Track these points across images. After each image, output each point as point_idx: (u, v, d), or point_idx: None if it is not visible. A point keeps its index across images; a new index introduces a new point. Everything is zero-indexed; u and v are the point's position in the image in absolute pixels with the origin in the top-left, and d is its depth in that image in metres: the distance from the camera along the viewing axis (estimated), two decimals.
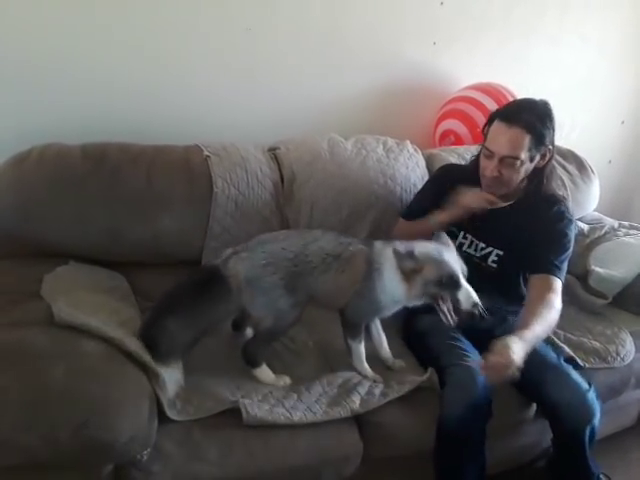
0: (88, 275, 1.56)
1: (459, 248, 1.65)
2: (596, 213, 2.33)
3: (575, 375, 1.51)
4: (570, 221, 1.62)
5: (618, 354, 1.72)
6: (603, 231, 2.14)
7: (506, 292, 1.67)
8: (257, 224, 1.74)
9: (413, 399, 1.46)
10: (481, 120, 1.80)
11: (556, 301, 1.50)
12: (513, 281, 1.68)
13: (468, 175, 1.67)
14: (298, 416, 1.35)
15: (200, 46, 1.89)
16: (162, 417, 1.26)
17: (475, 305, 1.35)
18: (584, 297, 1.92)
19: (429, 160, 2.01)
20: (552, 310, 1.48)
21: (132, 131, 1.77)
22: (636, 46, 2.68)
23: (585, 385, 1.49)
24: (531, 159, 1.53)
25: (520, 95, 1.95)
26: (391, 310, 1.50)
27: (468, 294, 1.36)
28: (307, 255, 1.41)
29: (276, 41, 1.99)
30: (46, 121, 1.74)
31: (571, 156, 2.22)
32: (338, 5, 2.05)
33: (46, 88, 1.74)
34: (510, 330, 1.64)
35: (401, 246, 1.38)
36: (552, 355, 1.59)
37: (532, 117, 1.49)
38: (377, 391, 1.45)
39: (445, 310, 1.39)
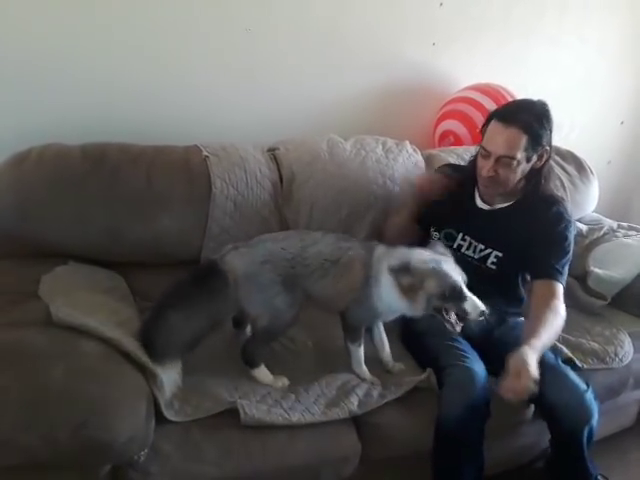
0: (87, 275, 1.56)
1: (458, 250, 1.65)
2: (595, 214, 2.33)
3: (573, 376, 1.51)
4: (570, 223, 1.62)
5: (617, 355, 1.72)
6: (602, 232, 2.14)
7: (505, 293, 1.68)
8: (256, 224, 1.74)
9: (411, 400, 1.46)
10: (480, 121, 1.80)
11: (561, 307, 1.51)
12: (512, 282, 1.68)
13: (466, 175, 1.67)
14: (296, 417, 1.35)
15: (200, 46, 1.89)
16: (160, 418, 1.27)
17: (482, 313, 1.35)
18: (583, 298, 1.92)
19: (428, 160, 2.01)
20: (558, 317, 1.49)
21: (132, 131, 1.77)
22: (635, 47, 2.68)
23: (583, 386, 1.49)
24: (528, 159, 1.53)
25: (519, 96, 1.96)
26: (390, 317, 1.50)
27: (474, 304, 1.36)
28: (305, 258, 1.42)
29: (275, 41, 1.99)
30: (46, 121, 1.74)
31: (570, 157, 2.22)
32: (337, 6, 2.05)
33: (46, 88, 1.74)
34: (508, 331, 1.65)
35: (395, 260, 1.36)
36: (550, 356, 1.59)
37: (529, 117, 1.49)
38: (375, 392, 1.45)
39: (451, 320, 1.39)
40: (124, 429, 1.14)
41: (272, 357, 1.54)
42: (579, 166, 2.21)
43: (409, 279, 1.34)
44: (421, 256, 1.38)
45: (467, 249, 1.65)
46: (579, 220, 2.17)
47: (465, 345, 1.56)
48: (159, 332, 1.34)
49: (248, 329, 1.56)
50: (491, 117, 1.55)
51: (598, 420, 1.48)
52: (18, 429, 1.08)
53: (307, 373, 1.50)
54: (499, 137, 1.50)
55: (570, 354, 1.65)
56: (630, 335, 1.80)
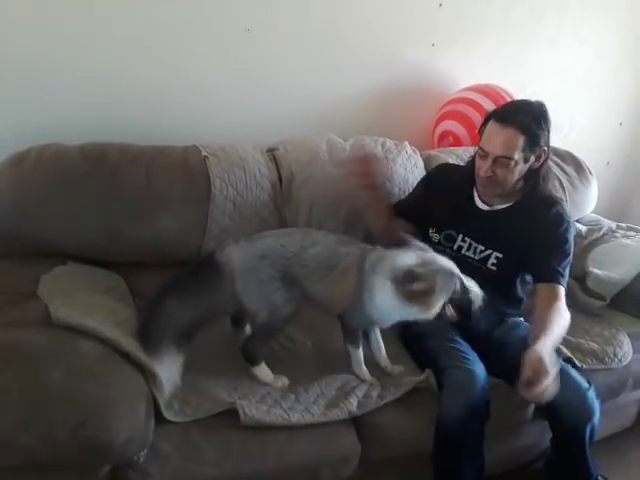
0: (86, 275, 1.56)
1: (458, 251, 1.65)
2: (594, 215, 2.34)
3: (575, 374, 1.52)
4: (569, 224, 1.62)
5: (616, 355, 1.72)
6: (601, 233, 2.14)
7: (504, 294, 1.68)
8: (255, 225, 1.74)
9: (410, 401, 1.46)
10: (479, 121, 1.79)
11: (564, 309, 1.51)
12: (512, 283, 1.68)
13: (464, 175, 1.67)
14: (296, 417, 1.35)
15: (200, 46, 1.89)
16: (159, 418, 1.26)
17: (483, 298, 1.37)
18: (582, 299, 1.92)
19: (427, 161, 2.01)
20: (562, 318, 1.49)
21: (131, 131, 1.77)
22: (633, 48, 2.68)
23: (585, 384, 1.49)
24: (525, 160, 1.53)
25: (518, 96, 1.96)
26: (388, 323, 1.49)
27: (476, 292, 1.37)
28: (304, 259, 1.41)
29: (275, 42, 1.99)
30: (46, 120, 1.74)
31: (569, 157, 2.23)
32: (337, 6, 2.05)
33: (46, 87, 1.74)
34: (508, 331, 1.66)
35: (392, 269, 1.34)
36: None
37: (527, 118, 1.49)
38: (374, 393, 1.45)
39: (449, 313, 1.39)
40: (123, 429, 1.13)
41: (272, 357, 1.54)
42: (578, 167, 2.22)
43: (421, 285, 1.31)
44: (417, 259, 1.36)
45: (467, 250, 1.65)
46: (578, 221, 2.17)
47: (465, 346, 1.56)
48: (156, 318, 1.36)
49: (247, 328, 1.55)
50: (489, 118, 1.56)
51: (600, 418, 1.48)
52: (17, 429, 1.07)
53: (307, 373, 1.50)
54: (497, 137, 1.50)
55: (569, 354, 1.65)
56: (629, 335, 1.80)
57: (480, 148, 1.56)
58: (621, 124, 2.84)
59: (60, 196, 1.55)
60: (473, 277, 1.61)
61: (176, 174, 1.66)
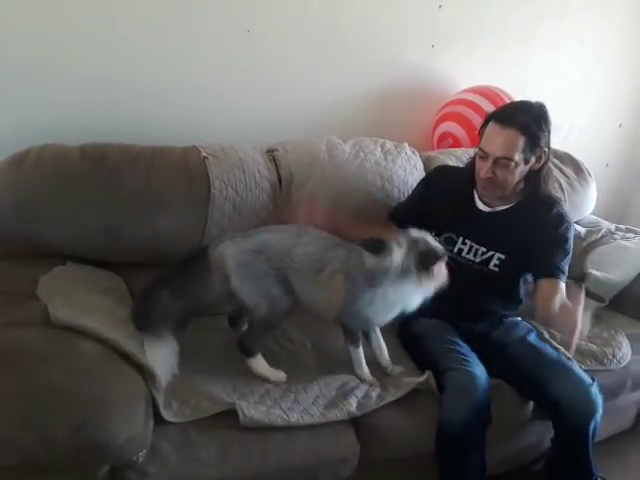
0: (85, 276, 1.56)
1: (458, 254, 1.65)
2: (593, 216, 2.34)
3: (578, 370, 1.52)
4: (569, 224, 1.62)
5: (615, 356, 1.72)
6: (600, 234, 2.14)
7: (504, 296, 1.68)
8: (255, 225, 1.72)
9: (410, 402, 1.46)
10: (479, 123, 1.80)
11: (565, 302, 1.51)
12: (512, 284, 1.68)
13: (463, 177, 1.67)
14: (295, 418, 1.35)
15: (200, 47, 1.90)
16: (159, 418, 1.26)
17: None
18: None
19: (427, 163, 2.01)
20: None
21: (131, 132, 1.77)
22: (633, 51, 2.69)
23: (588, 379, 1.49)
24: (525, 161, 1.53)
25: (518, 98, 1.96)
26: (386, 320, 1.48)
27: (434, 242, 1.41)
28: (294, 256, 1.42)
29: (275, 43, 2.00)
30: (45, 120, 1.74)
31: (568, 159, 2.23)
32: (337, 7, 2.05)
33: (46, 87, 1.74)
34: (507, 330, 1.66)
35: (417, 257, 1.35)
36: (551, 351, 1.59)
37: (527, 119, 1.49)
38: (374, 394, 1.45)
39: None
40: (122, 430, 1.13)
41: (271, 357, 1.54)
42: (577, 168, 2.22)
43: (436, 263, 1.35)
44: (400, 243, 1.37)
45: (468, 253, 1.64)
46: (577, 222, 2.17)
47: (464, 348, 1.56)
48: (156, 302, 1.39)
49: (244, 328, 1.55)
50: (489, 119, 1.56)
51: (603, 415, 1.48)
52: (16, 429, 1.07)
53: (306, 374, 1.50)
54: (497, 138, 1.51)
55: (569, 355, 1.65)
56: (628, 337, 1.81)
57: (480, 149, 1.56)
58: (620, 126, 2.85)
59: (60, 196, 1.55)
60: (473, 280, 1.61)
61: (176, 175, 1.66)
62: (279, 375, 1.45)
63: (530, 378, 1.52)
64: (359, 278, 1.40)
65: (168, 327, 1.38)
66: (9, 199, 1.54)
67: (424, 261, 1.36)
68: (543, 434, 1.61)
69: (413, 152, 2.01)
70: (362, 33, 2.12)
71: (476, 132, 1.71)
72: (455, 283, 1.60)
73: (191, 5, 1.84)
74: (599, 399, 1.47)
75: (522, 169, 1.55)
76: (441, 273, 1.38)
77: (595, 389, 1.48)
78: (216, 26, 1.90)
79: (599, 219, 2.32)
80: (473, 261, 1.64)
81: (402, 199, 1.88)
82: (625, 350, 1.75)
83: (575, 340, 1.42)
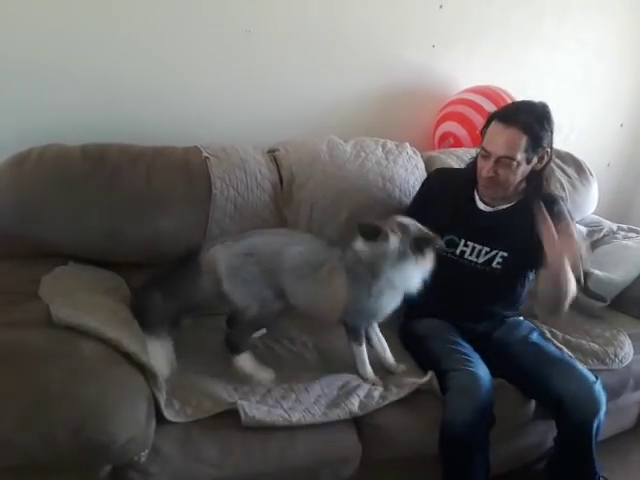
0: (87, 276, 1.56)
1: (461, 256, 1.64)
2: (595, 216, 2.34)
3: (580, 367, 1.52)
4: (571, 220, 1.62)
5: (617, 356, 1.72)
6: (602, 234, 2.14)
7: (506, 296, 1.68)
8: (256, 226, 1.73)
9: (412, 401, 1.46)
10: (480, 123, 1.80)
11: None
12: (515, 283, 1.67)
13: (464, 178, 1.67)
14: (297, 417, 1.34)
15: (200, 47, 1.90)
16: (160, 418, 1.26)
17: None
18: (583, 300, 1.92)
19: (428, 162, 2.01)
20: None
21: (132, 132, 1.77)
22: (633, 50, 2.69)
23: (592, 377, 1.49)
24: (528, 161, 1.53)
25: (519, 98, 1.96)
26: (395, 306, 1.48)
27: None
28: (284, 256, 1.43)
29: (276, 43, 2.00)
30: (46, 120, 1.74)
31: (570, 159, 2.23)
32: (337, 7, 2.05)
33: (46, 87, 1.74)
34: (509, 330, 1.66)
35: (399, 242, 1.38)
36: (554, 350, 1.59)
37: (530, 119, 1.49)
38: (376, 394, 1.45)
39: None
40: (124, 430, 1.13)
41: (272, 357, 1.54)
42: (579, 168, 2.22)
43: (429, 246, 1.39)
44: (407, 225, 1.41)
45: (470, 254, 1.64)
46: (579, 222, 2.17)
47: (467, 348, 1.56)
48: (150, 303, 1.44)
49: None
50: (492, 118, 1.56)
51: (606, 413, 1.48)
52: (18, 429, 1.07)
53: (307, 373, 1.50)
54: (499, 137, 1.50)
55: (571, 354, 1.66)
56: (630, 336, 1.81)
57: (482, 148, 1.56)
58: (622, 125, 2.85)
59: (61, 196, 1.55)
60: (476, 280, 1.61)
61: (177, 175, 1.66)
62: (266, 374, 1.43)
63: (533, 376, 1.51)
64: (361, 273, 1.40)
65: (163, 325, 1.41)
66: (11, 199, 1.54)
67: (419, 244, 1.39)
68: (545, 433, 1.61)
69: (414, 152, 2.01)
70: (363, 33, 2.12)
71: (477, 132, 1.71)
72: (458, 284, 1.61)
73: (191, 5, 1.84)
74: (603, 397, 1.47)
75: (524, 169, 1.54)
76: (431, 257, 1.41)
77: (599, 387, 1.47)
78: (216, 26, 1.90)
79: (601, 219, 2.32)
80: (476, 262, 1.63)
81: (403, 198, 1.88)
82: (627, 350, 1.75)
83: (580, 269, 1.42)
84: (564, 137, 2.34)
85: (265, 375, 1.43)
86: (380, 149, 1.95)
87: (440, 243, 1.43)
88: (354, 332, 1.49)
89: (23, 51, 1.69)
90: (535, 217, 1.44)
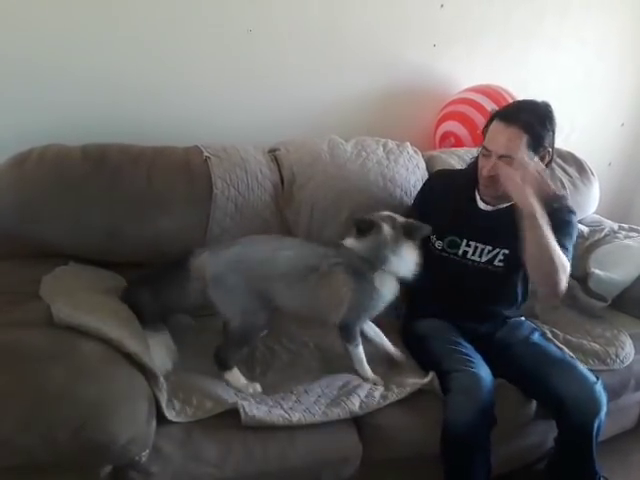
0: (88, 276, 1.56)
1: (463, 256, 1.64)
2: (596, 215, 2.33)
3: (582, 368, 1.52)
4: (573, 213, 1.61)
5: (617, 356, 1.71)
6: (603, 233, 2.14)
7: (509, 294, 1.68)
8: (257, 225, 1.74)
9: (413, 402, 1.46)
10: (481, 122, 1.80)
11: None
12: (516, 281, 1.67)
13: (464, 178, 1.67)
14: (297, 417, 1.34)
15: (201, 47, 1.90)
16: (161, 418, 1.26)
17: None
18: (584, 299, 1.92)
19: (429, 162, 2.01)
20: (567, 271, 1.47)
21: (132, 132, 1.77)
22: (635, 49, 2.68)
23: (592, 378, 1.49)
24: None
25: (519, 97, 1.96)
26: (389, 300, 1.49)
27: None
28: (275, 260, 1.41)
29: (277, 42, 1.99)
30: (47, 120, 1.75)
31: (571, 158, 2.22)
32: (338, 7, 2.05)
33: (47, 87, 1.74)
34: (511, 331, 1.66)
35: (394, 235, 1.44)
36: (555, 350, 1.59)
37: (531, 118, 1.49)
38: (377, 393, 1.45)
39: None
40: (124, 430, 1.13)
41: (272, 357, 1.54)
42: (580, 167, 2.21)
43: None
44: (392, 218, 1.47)
45: (473, 254, 1.64)
46: (580, 221, 2.16)
47: (469, 348, 1.55)
48: (141, 300, 1.46)
49: None
50: (493, 117, 1.56)
51: (607, 413, 1.47)
52: (18, 429, 1.07)
53: (308, 373, 1.50)
54: (500, 136, 1.50)
55: (572, 354, 1.66)
56: (631, 336, 1.80)
57: (483, 147, 1.55)
58: (623, 125, 2.84)
59: (61, 196, 1.55)
60: (479, 279, 1.61)
61: (177, 175, 1.67)
62: (254, 387, 1.43)
63: (534, 377, 1.51)
64: (361, 268, 1.42)
65: (154, 321, 1.44)
66: (11, 199, 1.54)
67: (411, 232, 1.45)
68: (546, 434, 1.60)
69: (415, 151, 2.01)
70: (363, 33, 2.12)
71: (478, 131, 1.71)
72: (460, 284, 1.61)
73: (191, 5, 1.84)
74: (603, 397, 1.46)
75: None
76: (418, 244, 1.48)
77: (599, 387, 1.47)
78: (217, 26, 1.89)
79: (602, 218, 2.32)
80: (479, 262, 1.63)
81: (404, 198, 1.88)
82: (628, 350, 1.75)
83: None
84: (565, 136, 2.34)
85: (251, 390, 1.42)
86: (381, 149, 1.95)
87: (428, 229, 1.49)
88: (348, 333, 1.48)
89: (23, 51, 1.69)
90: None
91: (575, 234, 1.61)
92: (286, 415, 1.34)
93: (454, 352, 1.52)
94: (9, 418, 1.08)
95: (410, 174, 1.92)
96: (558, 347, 1.67)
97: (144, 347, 1.32)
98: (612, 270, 1.94)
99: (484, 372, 1.46)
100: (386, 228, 1.44)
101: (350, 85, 2.17)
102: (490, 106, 2.02)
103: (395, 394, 1.45)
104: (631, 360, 1.73)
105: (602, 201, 2.33)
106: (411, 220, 1.49)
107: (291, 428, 1.33)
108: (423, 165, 1.98)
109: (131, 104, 1.85)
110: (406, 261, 1.45)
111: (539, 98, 1.57)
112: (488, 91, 2.18)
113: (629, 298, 1.92)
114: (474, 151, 1.77)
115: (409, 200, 1.87)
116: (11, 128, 1.72)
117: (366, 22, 2.11)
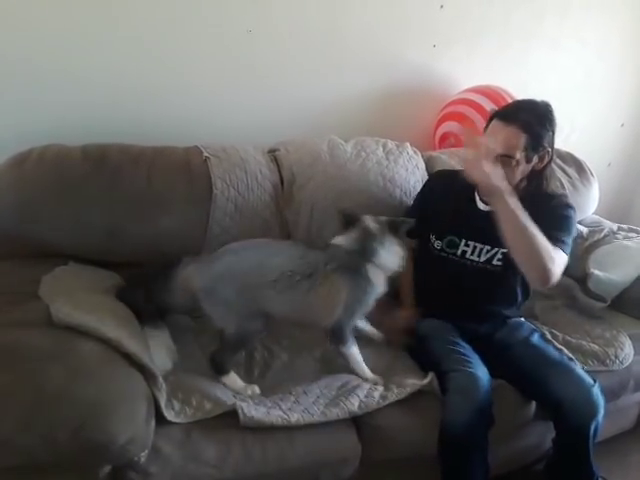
0: (87, 276, 1.56)
1: (462, 256, 1.64)
2: (595, 216, 2.33)
3: (579, 371, 1.51)
4: (572, 208, 1.60)
5: (617, 357, 1.71)
6: (602, 234, 2.14)
7: (507, 293, 1.68)
8: (256, 226, 1.74)
9: (412, 402, 1.45)
10: (480, 123, 1.80)
11: (557, 256, 1.46)
12: (515, 280, 1.67)
13: (464, 178, 1.66)
14: (295, 418, 1.34)
15: (201, 47, 1.90)
16: (160, 418, 1.26)
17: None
18: (583, 300, 1.92)
19: (429, 162, 2.02)
20: (551, 250, 1.45)
21: (132, 132, 1.77)
22: (635, 49, 2.68)
23: (590, 380, 1.49)
24: (527, 160, 1.52)
25: (520, 98, 1.95)
26: (376, 297, 1.50)
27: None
28: (263, 268, 1.40)
29: (276, 43, 2.00)
30: (46, 120, 1.75)
31: (570, 159, 2.22)
32: (338, 7, 2.05)
33: (47, 87, 1.75)
34: (510, 331, 1.66)
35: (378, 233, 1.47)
36: (554, 352, 1.59)
37: (530, 117, 1.49)
38: (376, 394, 1.44)
39: None
40: (123, 430, 1.13)
41: (271, 358, 1.54)
42: (579, 168, 2.21)
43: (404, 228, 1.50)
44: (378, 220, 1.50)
45: (471, 254, 1.64)
46: (579, 222, 2.16)
47: (467, 349, 1.55)
48: (127, 299, 1.47)
49: None
50: (493, 116, 1.56)
51: (604, 416, 1.47)
52: (17, 430, 1.07)
53: (306, 374, 1.50)
54: (498, 136, 1.50)
55: (571, 355, 1.65)
56: (630, 337, 1.80)
57: None
58: (623, 125, 2.84)
59: (61, 197, 1.56)
60: (478, 278, 1.61)
61: (177, 175, 1.67)
62: (253, 389, 1.42)
63: (532, 378, 1.51)
64: (353, 263, 1.43)
65: (156, 320, 1.45)
66: (11, 199, 1.55)
67: (394, 226, 1.48)
68: (545, 435, 1.60)
69: (415, 152, 2.01)
70: (363, 33, 2.12)
71: (477, 132, 1.71)
72: (460, 283, 1.61)
73: (191, 5, 1.84)
74: (601, 400, 1.46)
75: (524, 168, 1.54)
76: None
77: (597, 390, 1.47)
78: (216, 26, 1.89)
79: (601, 219, 2.31)
80: (477, 261, 1.63)
81: (404, 198, 1.88)
82: (627, 350, 1.74)
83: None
84: (565, 137, 2.34)
85: (250, 392, 1.42)
86: (381, 149, 1.95)
87: (410, 222, 1.52)
88: (340, 335, 1.48)
89: (23, 51, 1.69)
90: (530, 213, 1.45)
91: (574, 228, 1.60)
92: (285, 416, 1.34)
93: (452, 352, 1.52)
94: (9, 418, 1.08)
95: (410, 174, 1.92)
96: (557, 348, 1.66)
97: (143, 347, 1.33)
98: (611, 271, 1.94)
99: (481, 372, 1.46)
100: (370, 221, 1.48)
101: (350, 85, 2.17)
102: (490, 107, 2.02)
103: (395, 394, 1.44)
104: (630, 361, 1.72)
105: (601, 202, 2.33)
106: (393, 218, 1.52)
107: (290, 429, 1.33)
108: (423, 165, 1.98)
109: (131, 104, 1.85)
110: (393, 254, 1.48)
111: (539, 98, 1.56)
112: (488, 92, 2.18)
113: (628, 299, 1.92)
114: None
115: (409, 200, 1.87)
116: (11, 128, 1.72)
117: (366, 22, 2.11)
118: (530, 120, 1.49)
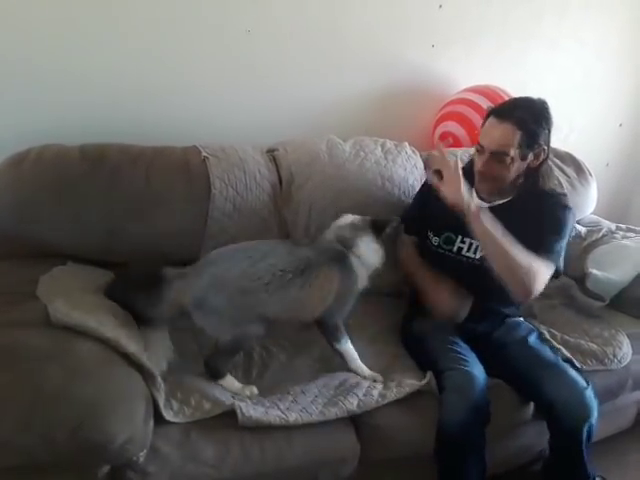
0: (85, 276, 1.56)
1: (458, 252, 1.65)
2: (594, 216, 2.34)
3: (573, 373, 1.51)
4: (569, 209, 1.59)
5: (615, 356, 1.71)
6: (600, 234, 2.14)
7: (504, 291, 1.67)
8: (255, 225, 1.74)
9: (411, 402, 1.45)
10: (479, 122, 1.80)
11: (538, 271, 1.46)
12: None
13: (464, 176, 1.67)
14: (293, 417, 1.34)
15: (200, 47, 1.90)
16: (159, 418, 1.26)
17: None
18: (581, 299, 1.92)
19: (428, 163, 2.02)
20: (529, 260, 1.45)
21: (131, 132, 1.77)
22: (633, 49, 2.69)
23: (583, 383, 1.49)
24: (522, 157, 1.52)
25: None
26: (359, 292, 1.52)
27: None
28: (254, 273, 1.37)
29: (276, 43, 2.00)
30: (45, 120, 1.75)
31: (569, 159, 2.23)
32: (338, 7, 2.05)
33: (46, 87, 1.75)
34: (508, 331, 1.66)
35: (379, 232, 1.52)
36: (549, 354, 1.59)
37: (525, 115, 1.49)
38: (375, 392, 1.45)
39: None
40: (121, 430, 1.13)
41: (269, 358, 1.54)
42: (578, 168, 2.22)
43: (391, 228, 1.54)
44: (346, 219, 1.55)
45: (467, 251, 1.64)
46: (578, 222, 2.17)
47: (464, 348, 1.56)
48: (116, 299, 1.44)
49: None
50: (489, 114, 1.56)
51: (598, 419, 1.48)
52: (16, 430, 1.07)
53: (304, 373, 1.50)
54: (493, 132, 1.50)
55: (569, 355, 1.66)
56: (629, 336, 1.80)
57: (478, 143, 1.56)
58: (621, 125, 2.85)
59: (60, 196, 1.56)
60: (474, 275, 1.61)
61: (176, 175, 1.67)
62: (251, 390, 1.42)
63: (526, 379, 1.52)
64: (340, 252, 1.47)
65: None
66: (9, 199, 1.55)
67: (377, 224, 1.52)
68: (542, 435, 1.60)
69: (413, 151, 2.01)
70: (362, 33, 2.12)
71: (476, 132, 1.71)
72: (456, 280, 1.61)
73: (191, 5, 1.84)
74: (594, 403, 1.46)
75: (519, 165, 1.54)
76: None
77: (590, 393, 1.47)
78: (216, 26, 1.90)
79: (600, 218, 2.32)
80: (473, 258, 1.64)
81: (402, 198, 1.88)
82: (626, 350, 1.75)
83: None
84: (563, 137, 2.35)
85: (248, 393, 1.41)
86: (379, 149, 1.95)
87: (396, 220, 1.56)
88: (334, 329, 1.48)
89: (23, 51, 1.69)
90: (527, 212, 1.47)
91: (567, 232, 1.58)
92: (283, 415, 1.34)
93: (449, 351, 1.52)
94: (8, 419, 1.08)
95: (408, 174, 1.93)
96: (555, 348, 1.67)
97: (141, 347, 1.32)
98: (610, 270, 1.95)
99: (477, 370, 1.46)
100: (346, 215, 1.55)
101: (349, 85, 2.18)
102: (488, 106, 2.02)
103: (394, 393, 1.45)
104: (629, 360, 1.73)
105: (600, 201, 2.33)
106: (381, 217, 1.56)
107: (288, 428, 1.33)
108: (421, 165, 1.99)
109: (131, 104, 1.85)
110: (372, 250, 1.51)
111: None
112: (486, 91, 2.18)
113: (627, 298, 1.92)
114: (472, 151, 1.77)
115: (407, 199, 1.88)
116: (10, 128, 1.72)
117: (365, 22, 2.11)
118: (525, 117, 1.49)
